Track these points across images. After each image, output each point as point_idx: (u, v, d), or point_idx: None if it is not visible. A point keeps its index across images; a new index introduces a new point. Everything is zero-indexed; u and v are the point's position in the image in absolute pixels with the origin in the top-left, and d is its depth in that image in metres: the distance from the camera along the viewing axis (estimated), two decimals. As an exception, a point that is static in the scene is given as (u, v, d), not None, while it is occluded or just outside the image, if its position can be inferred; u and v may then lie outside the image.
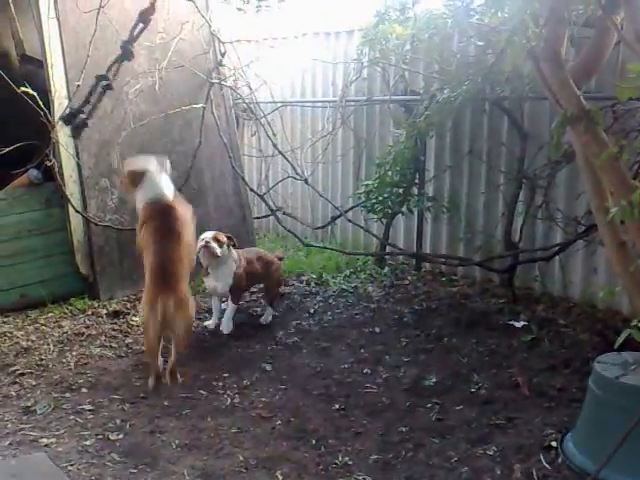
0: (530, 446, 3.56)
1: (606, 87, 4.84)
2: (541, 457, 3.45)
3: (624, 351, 3.38)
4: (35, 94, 5.21)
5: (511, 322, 5.24)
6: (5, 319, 5.49)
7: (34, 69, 6.53)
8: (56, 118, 5.59)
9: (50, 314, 5.62)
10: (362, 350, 4.98)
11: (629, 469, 3.12)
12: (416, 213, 6.42)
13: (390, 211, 6.27)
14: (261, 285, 5.72)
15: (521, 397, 4.13)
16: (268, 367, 4.74)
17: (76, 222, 5.84)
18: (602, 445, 3.11)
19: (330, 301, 5.98)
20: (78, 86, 5.61)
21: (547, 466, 3.38)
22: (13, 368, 4.61)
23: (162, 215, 4.50)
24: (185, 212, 4.67)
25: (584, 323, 5.11)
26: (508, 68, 4.41)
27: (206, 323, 5.43)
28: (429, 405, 4.12)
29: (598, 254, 5.30)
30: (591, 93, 4.78)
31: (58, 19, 5.63)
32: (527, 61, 3.72)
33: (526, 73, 5.12)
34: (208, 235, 5.12)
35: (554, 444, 3.54)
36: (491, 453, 3.54)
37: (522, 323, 5.19)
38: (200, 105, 6.36)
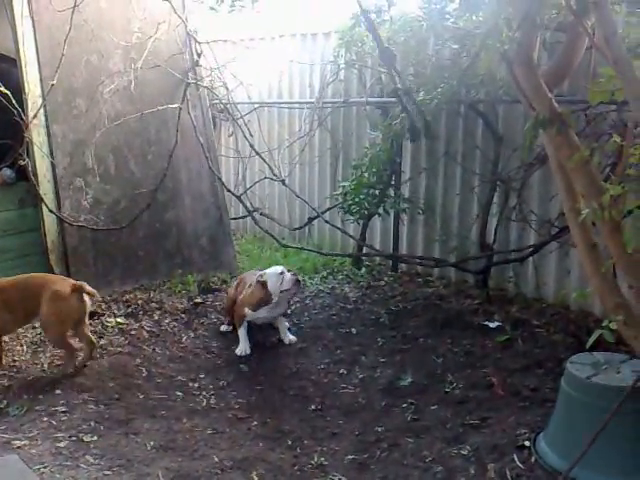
0: (504, 446, 3.59)
1: (579, 91, 4.91)
2: (514, 456, 3.48)
3: (596, 351, 3.44)
4: (9, 93, 5.15)
5: (485, 323, 5.28)
6: (-23, 320, 5.42)
7: (8, 68, 6.44)
8: (30, 117, 5.53)
9: (23, 315, 5.55)
10: (338, 351, 5.00)
11: (600, 467, 3.17)
12: (392, 214, 6.46)
13: (366, 212, 6.30)
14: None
15: (495, 397, 4.17)
16: (245, 368, 4.75)
17: (50, 222, 5.77)
18: (574, 444, 3.15)
19: (307, 302, 5.99)
20: (52, 85, 5.56)
21: (520, 465, 3.41)
22: (-15, 370, 4.57)
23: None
24: None
25: (557, 324, 5.17)
26: (482, 71, 4.47)
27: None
28: (404, 405, 4.15)
29: (571, 256, 5.37)
30: (564, 96, 4.84)
31: (32, 17, 5.57)
32: (501, 64, 3.76)
33: (500, 76, 5.17)
34: (285, 270, 5.06)
35: (527, 443, 3.58)
36: (465, 453, 3.58)
37: (496, 324, 5.24)
38: (176, 105, 6.33)
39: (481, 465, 3.45)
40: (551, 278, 5.61)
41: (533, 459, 3.46)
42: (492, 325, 5.23)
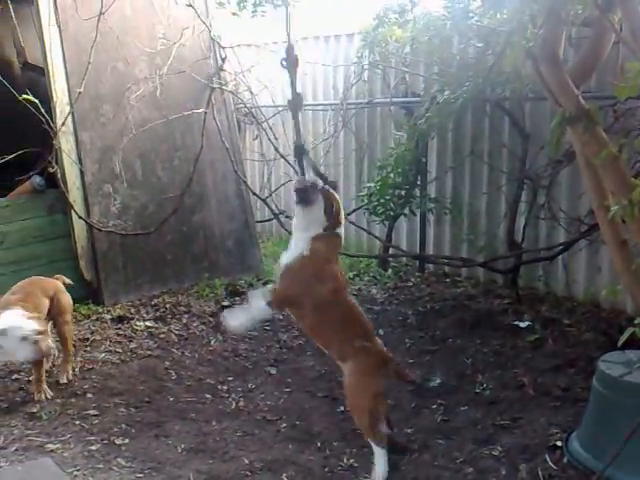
0: (535, 446, 3.55)
1: (607, 86, 4.84)
2: (546, 457, 3.44)
3: (628, 349, 3.39)
4: (37, 101, 5.24)
5: (515, 322, 5.23)
6: (10, 326, 5.50)
7: (36, 77, 6.56)
8: (58, 125, 5.61)
9: (55, 320, 5.63)
10: (366, 352, 4.97)
11: (635, 467, 3.11)
12: (419, 215, 6.43)
13: (392, 213, 6.27)
14: None
15: (526, 397, 4.13)
16: (273, 370, 4.75)
17: (79, 228, 5.86)
18: (607, 444, 3.11)
19: (334, 304, 5.97)
20: (79, 93, 5.64)
21: (552, 466, 3.37)
22: (18, 375, 4.63)
23: None
24: None
25: (588, 322, 5.11)
26: (508, 69, 4.42)
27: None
28: (434, 406, 4.12)
29: (601, 253, 5.30)
30: (592, 92, 4.79)
31: (59, 27, 5.67)
32: (526, 61, 3.73)
33: (525, 73, 5.11)
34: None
35: (559, 444, 3.54)
36: (496, 453, 3.54)
37: (526, 323, 5.19)
38: (201, 110, 6.38)
39: (513, 466, 3.41)
40: (581, 276, 5.54)
41: (565, 459, 3.41)
42: (522, 325, 5.18)
